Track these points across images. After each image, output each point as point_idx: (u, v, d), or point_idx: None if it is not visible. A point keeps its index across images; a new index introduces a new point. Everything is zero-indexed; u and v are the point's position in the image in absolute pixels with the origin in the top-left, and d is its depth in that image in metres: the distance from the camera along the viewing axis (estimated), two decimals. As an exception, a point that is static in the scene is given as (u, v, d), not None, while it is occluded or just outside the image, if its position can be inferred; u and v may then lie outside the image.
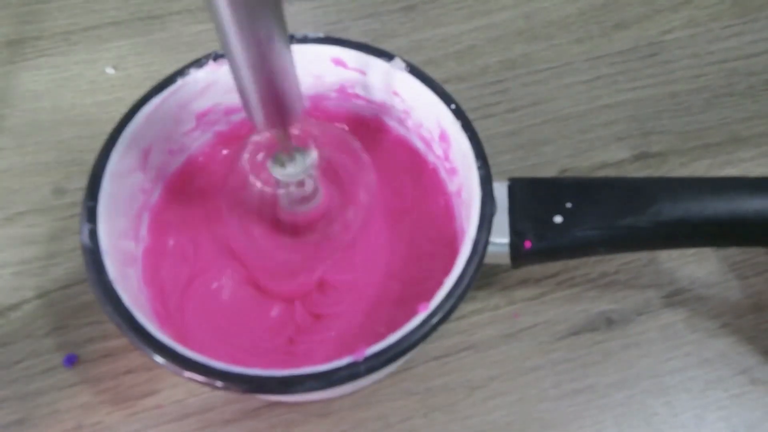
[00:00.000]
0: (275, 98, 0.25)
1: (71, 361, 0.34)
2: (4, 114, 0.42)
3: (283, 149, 0.29)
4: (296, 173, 0.30)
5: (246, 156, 0.32)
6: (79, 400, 0.34)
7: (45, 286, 0.36)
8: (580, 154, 0.40)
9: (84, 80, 0.43)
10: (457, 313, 0.35)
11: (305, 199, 0.32)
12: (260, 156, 0.31)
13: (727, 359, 0.34)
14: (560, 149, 0.40)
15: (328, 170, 0.33)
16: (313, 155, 0.30)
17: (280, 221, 0.33)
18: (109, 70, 0.43)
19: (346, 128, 0.36)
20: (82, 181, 0.30)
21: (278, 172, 0.30)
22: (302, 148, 0.30)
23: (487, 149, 0.31)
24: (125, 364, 0.34)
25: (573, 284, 0.36)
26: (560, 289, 0.36)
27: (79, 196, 0.30)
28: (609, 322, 0.35)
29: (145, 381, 0.34)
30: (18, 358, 0.34)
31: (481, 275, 0.36)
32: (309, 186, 0.31)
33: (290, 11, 0.45)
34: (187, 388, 0.34)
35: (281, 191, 0.31)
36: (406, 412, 0.33)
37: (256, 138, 0.32)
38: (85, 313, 0.35)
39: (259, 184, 0.31)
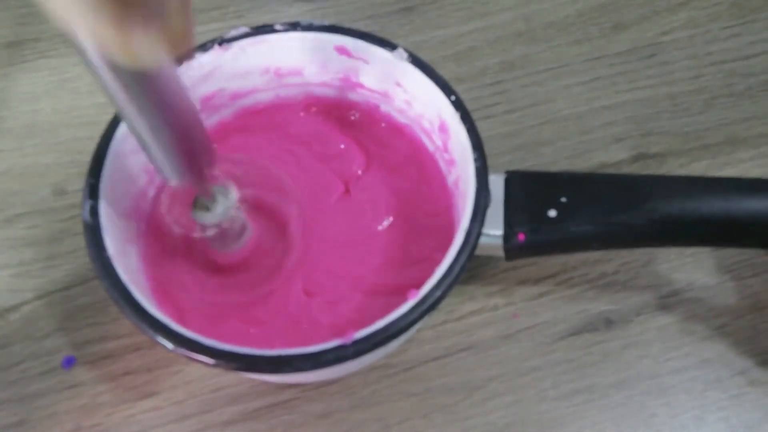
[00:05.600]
0: (185, 153, 0.24)
1: (70, 363, 0.34)
2: (3, 116, 0.42)
3: (202, 194, 0.29)
4: (218, 215, 0.30)
5: (166, 204, 0.32)
6: (78, 402, 0.34)
7: (44, 287, 0.36)
8: (578, 155, 0.40)
9: (83, 82, 0.43)
10: (456, 314, 0.35)
11: (233, 238, 0.32)
12: (180, 203, 0.31)
13: (726, 360, 0.34)
14: (559, 150, 0.40)
15: (254, 205, 0.33)
16: (233, 195, 0.30)
17: (214, 262, 0.33)
18: (108, 72, 0.43)
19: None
20: (81, 183, 0.30)
21: (200, 217, 0.30)
22: (222, 188, 0.30)
23: (486, 150, 0.31)
24: (124, 366, 0.34)
25: (572, 285, 0.36)
26: (559, 289, 0.36)
27: (79, 197, 0.30)
28: (608, 322, 0.35)
29: (144, 383, 0.34)
30: (17, 360, 0.34)
31: (480, 276, 0.36)
32: (235, 225, 0.31)
33: (290, 14, 0.45)
34: (187, 389, 0.34)
35: (208, 233, 0.31)
36: (405, 413, 0.33)
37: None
38: (85, 315, 0.35)
39: (180, 230, 0.31)
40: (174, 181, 0.26)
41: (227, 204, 0.30)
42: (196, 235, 0.31)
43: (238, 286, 0.33)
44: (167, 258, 0.33)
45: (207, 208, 0.30)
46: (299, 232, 0.34)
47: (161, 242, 0.34)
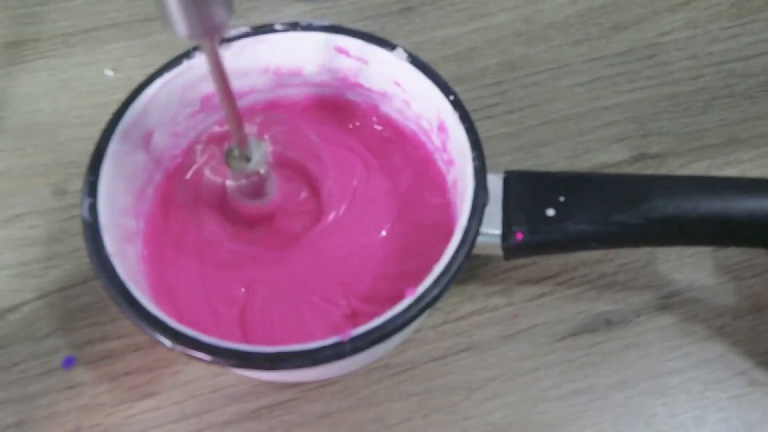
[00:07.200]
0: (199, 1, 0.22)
1: (70, 363, 0.34)
2: (3, 116, 0.42)
3: (237, 141, 0.29)
4: (250, 166, 0.30)
5: (200, 147, 0.32)
6: (78, 402, 0.34)
7: (44, 288, 0.36)
8: (578, 155, 0.40)
9: (83, 82, 0.43)
10: (456, 314, 0.35)
11: (258, 193, 0.32)
12: (214, 148, 0.32)
13: (726, 360, 0.34)
14: (559, 151, 0.40)
15: (284, 165, 0.33)
16: (266, 148, 0.30)
17: (235, 213, 0.33)
18: (108, 72, 0.43)
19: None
20: (81, 183, 0.30)
21: (232, 165, 0.30)
22: (257, 140, 0.30)
23: (486, 151, 0.31)
24: (124, 366, 0.34)
25: (572, 285, 0.36)
26: (559, 290, 0.36)
27: (79, 198, 0.30)
28: (608, 323, 0.35)
29: (144, 383, 0.34)
30: (17, 360, 0.34)
31: (480, 276, 0.36)
32: (263, 180, 0.32)
33: (289, 14, 0.45)
34: (187, 389, 0.34)
35: (234, 184, 0.32)
36: (405, 414, 0.33)
37: (212, 130, 0.32)
38: (84, 315, 0.35)
39: (211, 176, 0.32)
40: (183, 33, 0.23)
41: (260, 156, 0.30)
42: (228, 183, 0.31)
43: (263, 242, 0.33)
44: (167, 254, 0.34)
45: (241, 158, 0.30)
46: (329, 199, 0.34)
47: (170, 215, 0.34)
